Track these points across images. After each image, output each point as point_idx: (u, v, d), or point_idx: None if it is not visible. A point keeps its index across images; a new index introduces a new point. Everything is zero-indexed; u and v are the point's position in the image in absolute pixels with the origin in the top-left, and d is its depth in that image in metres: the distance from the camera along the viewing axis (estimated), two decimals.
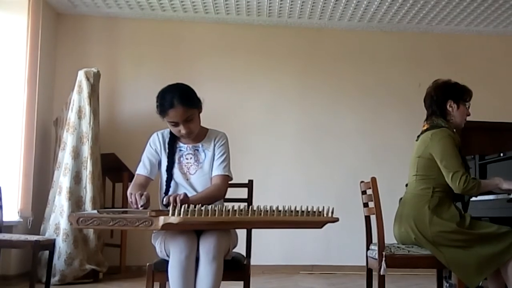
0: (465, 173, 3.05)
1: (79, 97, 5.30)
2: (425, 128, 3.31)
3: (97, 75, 5.42)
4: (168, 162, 2.86)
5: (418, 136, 3.36)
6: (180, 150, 2.90)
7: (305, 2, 6.00)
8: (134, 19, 6.48)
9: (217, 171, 2.87)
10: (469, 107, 3.36)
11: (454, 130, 3.27)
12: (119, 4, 6.17)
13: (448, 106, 3.28)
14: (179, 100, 2.73)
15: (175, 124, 2.78)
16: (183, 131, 2.78)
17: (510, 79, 6.76)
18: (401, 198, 3.40)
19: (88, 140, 5.23)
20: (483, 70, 6.72)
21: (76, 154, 5.20)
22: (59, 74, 6.30)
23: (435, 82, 3.38)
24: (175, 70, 6.28)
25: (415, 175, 3.25)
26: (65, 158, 5.21)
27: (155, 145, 2.92)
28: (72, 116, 5.27)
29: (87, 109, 5.27)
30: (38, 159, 5.61)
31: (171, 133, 2.91)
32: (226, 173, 2.87)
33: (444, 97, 3.29)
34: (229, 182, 2.93)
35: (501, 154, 3.82)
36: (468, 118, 3.41)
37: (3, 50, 5.39)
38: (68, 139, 5.24)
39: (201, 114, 2.89)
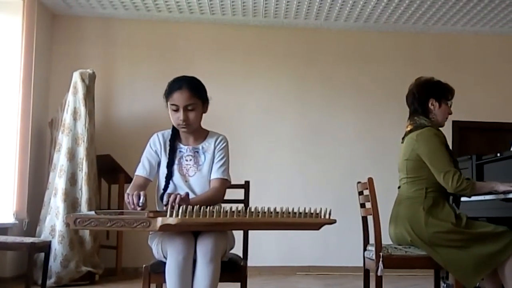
0: (456, 172, 3.05)
1: (74, 99, 5.28)
2: (409, 129, 3.29)
3: (92, 76, 5.41)
4: (168, 159, 2.86)
5: (403, 138, 3.35)
6: (180, 151, 2.90)
7: (301, 2, 5.99)
8: (130, 20, 6.46)
9: (216, 174, 2.86)
10: (451, 105, 3.34)
11: (438, 128, 3.25)
12: (114, 5, 6.15)
13: (429, 104, 3.27)
14: (187, 85, 2.80)
15: (176, 110, 2.80)
16: (181, 118, 2.78)
17: (506, 79, 6.77)
18: None
19: (83, 141, 5.21)
20: (479, 70, 6.73)
21: (72, 156, 5.18)
22: (54, 75, 6.28)
23: (417, 79, 3.37)
24: (170, 71, 6.13)
25: (406, 177, 3.25)
26: (61, 159, 5.19)
27: (155, 146, 2.91)
28: (67, 117, 5.25)
29: (82, 110, 5.25)
30: (33, 160, 5.59)
31: (172, 133, 2.92)
32: (225, 177, 2.87)
33: (426, 95, 3.27)
34: None
35: (498, 154, 3.81)
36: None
37: None
38: (63, 140, 5.22)
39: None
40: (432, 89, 3.29)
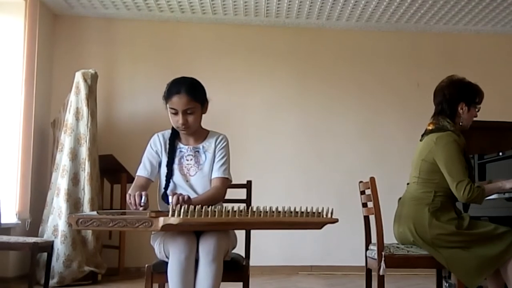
0: (469, 182, 3.00)
1: (76, 99, 5.29)
2: (430, 128, 3.23)
3: (94, 76, 5.41)
4: (168, 158, 2.86)
5: (422, 136, 3.30)
6: (181, 151, 2.90)
7: (303, 2, 5.99)
8: (131, 20, 6.46)
9: (217, 173, 2.87)
10: (479, 110, 3.28)
11: (459, 133, 3.19)
12: (116, 5, 6.16)
13: (459, 108, 3.21)
14: (186, 89, 2.78)
15: (175, 113, 2.80)
16: (180, 121, 2.78)
17: (508, 78, 6.77)
18: (400, 198, 3.38)
19: (85, 141, 5.22)
20: (481, 69, 6.70)
21: (74, 156, 5.19)
22: (56, 76, 6.29)
23: (449, 78, 3.29)
24: (172, 71, 6.14)
25: (417, 177, 3.21)
26: (63, 159, 5.20)
27: (156, 146, 2.92)
28: (69, 117, 5.26)
29: (84, 110, 5.25)
30: (35, 160, 5.60)
31: (172, 133, 2.93)
32: (226, 176, 2.87)
33: (457, 98, 3.20)
34: None
35: (500, 154, 3.81)
36: None
37: (0, 52, 5.37)
38: (65, 140, 5.22)
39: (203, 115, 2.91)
40: (463, 93, 3.22)
